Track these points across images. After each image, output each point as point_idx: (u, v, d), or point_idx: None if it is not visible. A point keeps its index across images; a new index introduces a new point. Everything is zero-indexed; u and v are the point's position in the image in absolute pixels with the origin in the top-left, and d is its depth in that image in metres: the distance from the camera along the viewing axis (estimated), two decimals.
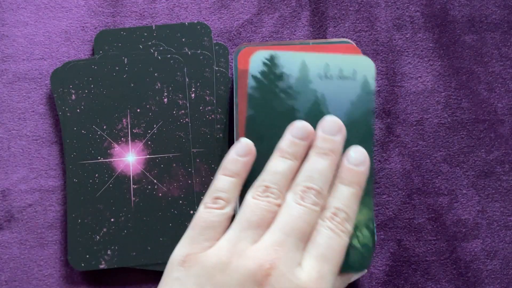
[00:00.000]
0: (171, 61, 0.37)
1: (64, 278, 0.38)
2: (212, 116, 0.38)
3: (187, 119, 0.36)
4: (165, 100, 0.36)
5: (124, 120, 0.36)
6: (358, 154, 0.31)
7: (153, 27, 0.39)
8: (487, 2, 0.41)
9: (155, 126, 0.36)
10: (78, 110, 0.36)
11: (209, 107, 0.38)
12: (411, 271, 0.38)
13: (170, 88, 0.37)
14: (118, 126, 0.36)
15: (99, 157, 0.36)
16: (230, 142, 0.38)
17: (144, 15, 0.40)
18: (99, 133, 0.36)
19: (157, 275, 0.37)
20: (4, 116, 0.39)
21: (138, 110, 0.36)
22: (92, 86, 0.37)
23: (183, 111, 0.36)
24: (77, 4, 0.40)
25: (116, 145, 0.36)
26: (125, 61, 0.37)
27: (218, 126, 0.38)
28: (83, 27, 0.40)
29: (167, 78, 0.37)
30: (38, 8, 0.40)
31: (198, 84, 0.38)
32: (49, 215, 0.38)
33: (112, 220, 0.35)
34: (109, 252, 0.35)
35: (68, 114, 0.36)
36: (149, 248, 0.35)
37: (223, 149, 0.38)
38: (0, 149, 0.39)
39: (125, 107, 0.37)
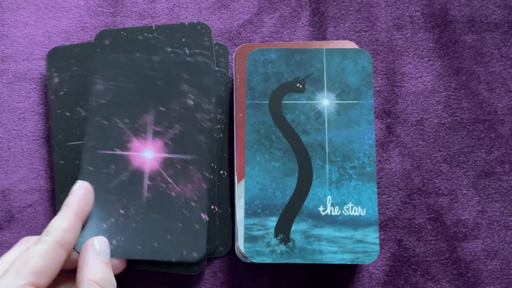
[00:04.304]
0: (199, 64, 0.37)
1: None
2: (212, 115, 0.38)
3: (210, 124, 0.36)
4: (190, 102, 0.37)
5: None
6: None
7: (153, 27, 0.39)
8: (487, 2, 0.41)
9: (177, 126, 0.36)
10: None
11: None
12: (411, 271, 0.38)
13: (197, 91, 0.37)
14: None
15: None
16: (230, 142, 0.38)
17: (144, 15, 0.40)
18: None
19: (159, 276, 0.37)
20: (4, 116, 0.39)
21: (162, 109, 0.36)
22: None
23: (206, 116, 0.37)
24: (77, 4, 0.40)
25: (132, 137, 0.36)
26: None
27: (218, 126, 0.38)
28: (83, 27, 0.40)
29: (194, 80, 0.37)
30: (38, 8, 0.40)
31: None
32: (49, 215, 0.38)
33: (122, 211, 0.35)
34: (114, 242, 0.35)
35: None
36: (155, 244, 0.35)
37: (223, 149, 0.38)
38: (0, 149, 0.38)
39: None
